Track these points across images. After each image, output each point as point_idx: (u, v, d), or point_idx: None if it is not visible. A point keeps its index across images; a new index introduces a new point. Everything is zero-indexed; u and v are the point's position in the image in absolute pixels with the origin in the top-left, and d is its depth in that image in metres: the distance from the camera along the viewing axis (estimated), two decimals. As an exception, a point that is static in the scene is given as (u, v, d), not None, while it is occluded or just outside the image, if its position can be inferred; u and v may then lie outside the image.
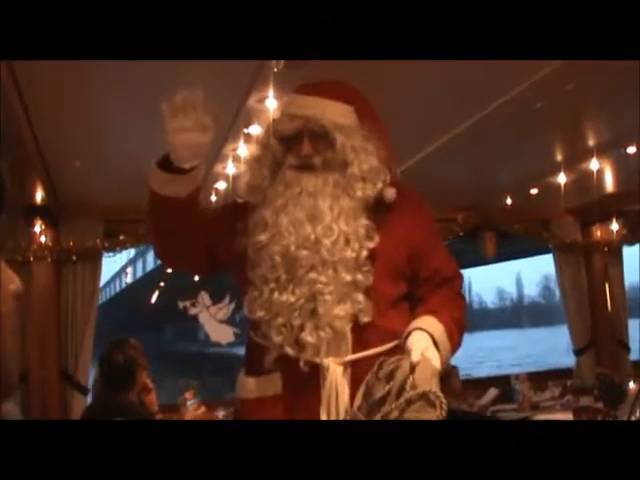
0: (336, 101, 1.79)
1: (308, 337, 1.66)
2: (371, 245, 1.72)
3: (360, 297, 1.70)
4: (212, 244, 1.86)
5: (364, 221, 1.74)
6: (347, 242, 1.70)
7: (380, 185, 1.77)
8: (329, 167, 1.76)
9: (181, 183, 1.73)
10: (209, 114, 1.65)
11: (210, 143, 1.70)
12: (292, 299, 1.68)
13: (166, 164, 1.72)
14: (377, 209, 1.78)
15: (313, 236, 1.69)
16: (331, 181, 1.74)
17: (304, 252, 1.68)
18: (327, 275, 1.68)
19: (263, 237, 1.72)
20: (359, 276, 1.70)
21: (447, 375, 3.93)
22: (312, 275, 1.67)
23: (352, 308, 1.69)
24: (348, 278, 1.69)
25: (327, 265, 1.68)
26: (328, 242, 1.68)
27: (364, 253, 1.71)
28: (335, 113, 1.77)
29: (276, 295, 1.69)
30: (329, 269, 1.68)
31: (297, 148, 1.76)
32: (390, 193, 1.79)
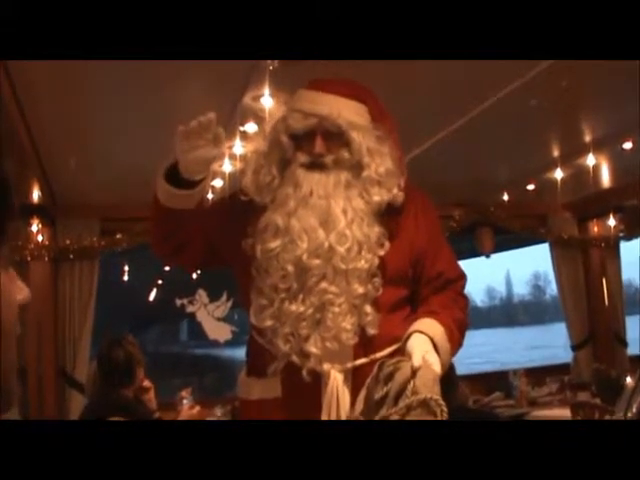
0: (351, 99, 1.72)
1: (312, 348, 1.61)
2: (381, 252, 1.67)
3: (368, 309, 1.65)
4: (213, 240, 1.82)
5: (377, 228, 1.68)
6: (360, 251, 1.64)
7: (395, 190, 1.71)
8: (340, 166, 1.69)
9: (191, 197, 1.71)
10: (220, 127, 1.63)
11: (220, 154, 1.69)
12: (302, 309, 1.62)
13: (174, 176, 1.68)
14: (386, 213, 1.73)
15: (327, 243, 1.62)
16: (343, 180, 1.68)
17: (316, 261, 1.62)
18: (339, 286, 1.62)
19: (275, 244, 1.65)
20: (370, 287, 1.66)
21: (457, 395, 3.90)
22: (323, 285, 1.62)
23: (360, 320, 1.64)
24: (360, 290, 1.64)
25: (339, 275, 1.62)
26: (342, 250, 1.62)
27: (376, 262, 1.66)
28: (351, 112, 1.70)
29: (286, 305, 1.63)
30: (341, 280, 1.62)
31: (308, 146, 1.69)
32: (399, 197, 1.73)
